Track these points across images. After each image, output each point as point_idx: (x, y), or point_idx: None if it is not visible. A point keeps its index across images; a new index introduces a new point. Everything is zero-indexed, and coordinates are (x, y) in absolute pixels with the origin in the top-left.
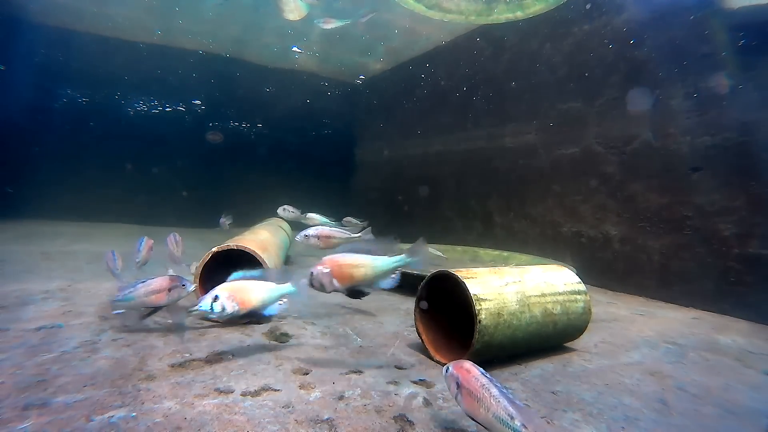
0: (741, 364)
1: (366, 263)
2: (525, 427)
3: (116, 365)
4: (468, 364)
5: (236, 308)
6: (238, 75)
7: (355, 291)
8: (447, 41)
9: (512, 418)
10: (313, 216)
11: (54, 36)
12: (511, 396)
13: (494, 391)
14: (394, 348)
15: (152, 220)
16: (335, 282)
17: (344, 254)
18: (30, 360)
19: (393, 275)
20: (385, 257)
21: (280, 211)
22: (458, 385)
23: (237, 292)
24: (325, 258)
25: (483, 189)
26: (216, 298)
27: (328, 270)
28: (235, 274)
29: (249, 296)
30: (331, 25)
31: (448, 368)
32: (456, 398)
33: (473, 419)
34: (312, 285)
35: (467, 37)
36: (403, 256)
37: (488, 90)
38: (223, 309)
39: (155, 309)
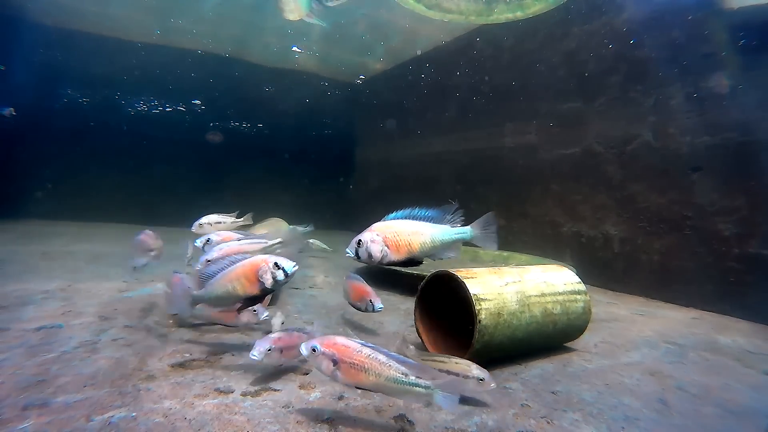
0: (741, 364)
1: (424, 232)
2: (419, 378)
3: (116, 365)
4: (341, 339)
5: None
6: (237, 75)
7: (410, 261)
8: (447, 41)
9: (406, 375)
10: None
11: (54, 36)
12: (400, 357)
13: (381, 357)
14: (394, 348)
15: (152, 220)
16: (388, 253)
17: (398, 221)
18: (30, 360)
19: (454, 248)
20: (446, 227)
21: (196, 227)
22: (335, 362)
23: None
24: (375, 225)
25: (483, 189)
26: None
27: (380, 238)
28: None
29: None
30: (312, 18)
31: (314, 348)
32: (333, 374)
33: (360, 388)
34: (358, 256)
35: (467, 37)
36: (468, 228)
37: (488, 90)
38: (371, 255)
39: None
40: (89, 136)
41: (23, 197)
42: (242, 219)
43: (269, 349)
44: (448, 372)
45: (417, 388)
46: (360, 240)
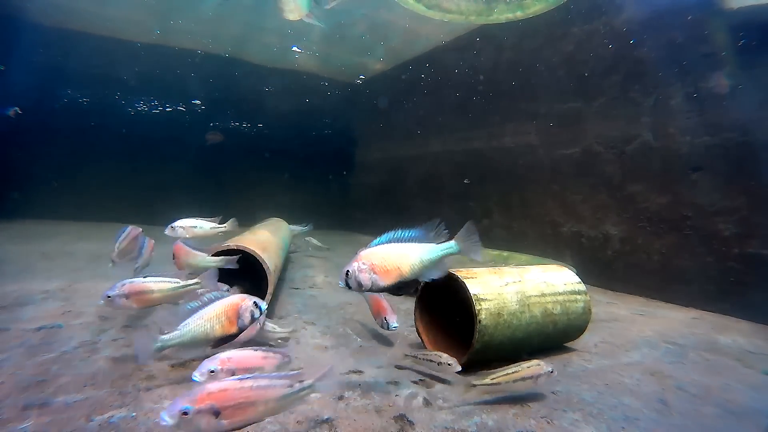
0: (741, 364)
1: (411, 254)
2: (300, 382)
3: (116, 365)
4: (215, 384)
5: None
6: (237, 75)
7: (401, 287)
8: (447, 41)
9: (291, 385)
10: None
11: (53, 36)
12: (278, 375)
13: (262, 381)
14: (394, 348)
15: (152, 220)
16: (378, 279)
17: (384, 246)
18: (30, 360)
19: (442, 265)
20: (431, 245)
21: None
22: (217, 413)
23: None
24: (361, 252)
25: (483, 189)
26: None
27: (367, 266)
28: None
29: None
30: (311, 18)
31: (186, 411)
32: (217, 427)
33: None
34: (349, 286)
35: (467, 37)
36: (452, 242)
37: (488, 90)
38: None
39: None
40: (89, 136)
41: (22, 197)
42: (225, 225)
43: (212, 371)
44: (524, 378)
45: (303, 392)
46: (348, 270)
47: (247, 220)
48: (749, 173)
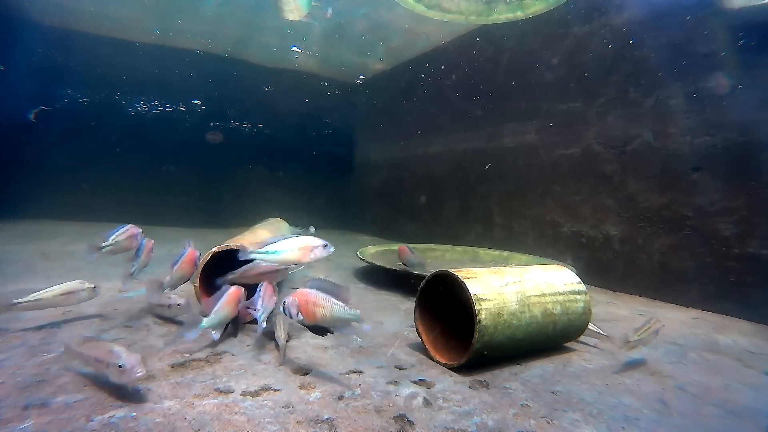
0: (741, 364)
1: (327, 306)
2: None
3: None
4: None
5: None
6: (237, 75)
7: (318, 328)
8: (447, 41)
9: None
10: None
11: (53, 36)
12: None
13: None
14: (394, 348)
15: (152, 220)
16: (300, 317)
17: (314, 291)
18: (30, 360)
19: (350, 326)
20: (345, 307)
21: None
22: None
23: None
24: (298, 290)
25: (483, 189)
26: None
27: (296, 305)
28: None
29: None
30: (309, 18)
31: None
32: None
33: None
34: (284, 311)
35: (467, 37)
36: (357, 312)
37: (488, 90)
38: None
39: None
40: (89, 136)
41: (23, 197)
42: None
43: None
44: None
45: None
46: (285, 301)
47: (247, 220)
48: (749, 173)
